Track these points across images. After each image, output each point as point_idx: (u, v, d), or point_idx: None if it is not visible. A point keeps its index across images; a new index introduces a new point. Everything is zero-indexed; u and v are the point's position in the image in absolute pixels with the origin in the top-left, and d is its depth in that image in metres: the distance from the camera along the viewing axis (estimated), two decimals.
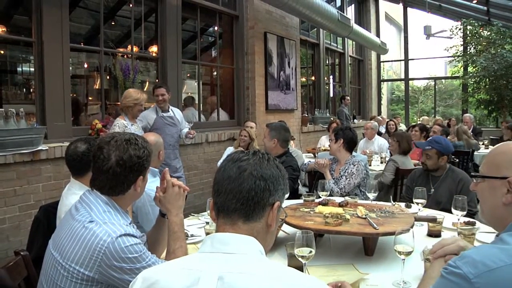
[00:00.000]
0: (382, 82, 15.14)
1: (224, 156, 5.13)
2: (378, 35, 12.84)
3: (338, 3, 11.41)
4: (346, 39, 10.93)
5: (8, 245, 3.68)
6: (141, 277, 1.11)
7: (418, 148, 4.84)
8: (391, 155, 5.02)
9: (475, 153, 6.58)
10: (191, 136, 4.90)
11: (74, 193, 2.31)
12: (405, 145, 4.68)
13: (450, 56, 13.20)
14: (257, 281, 1.01)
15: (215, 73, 7.66)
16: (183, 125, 4.97)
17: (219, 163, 5.11)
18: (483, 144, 7.91)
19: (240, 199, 1.12)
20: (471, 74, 12.08)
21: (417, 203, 2.74)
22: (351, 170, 3.62)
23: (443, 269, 1.13)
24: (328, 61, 11.14)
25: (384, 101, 15.77)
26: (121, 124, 4.00)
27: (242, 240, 1.09)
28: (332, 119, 8.77)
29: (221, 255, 1.07)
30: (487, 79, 11.47)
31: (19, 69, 6.27)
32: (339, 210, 2.35)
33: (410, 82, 15.78)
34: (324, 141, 6.90)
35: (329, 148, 5.92)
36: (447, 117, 11.66)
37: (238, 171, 1.13)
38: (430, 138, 4.03)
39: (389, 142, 5.38)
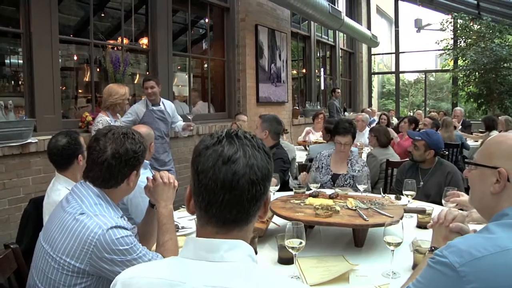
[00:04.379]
0: (373, 75, 15.19)
1: None
2: (369, 28, 12.86)
3: None
4: (337, 31, 10.94)
5: None
6: (121, 283, 1.00)
7: (409, 138, 4.90)
8: None
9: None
10: (191, 128, 4.81)
11: (56, 189, 2.32)
12: (383, 139, 4.74)
13: (440, 50, 13.27)
14: None
15: (206, 65, 7.63)
16: (176, 117, 4.90)
17: None
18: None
19: (241, 210, 0.97)
20: (461, 68, 12.18)
21: (407, 195, 2.77)
22: (366, 169, 3.57)
23: (429, 259, 1.16)
24: (319, 53, 11.14)
25: (374, 94, 15.83)
26: (105, 121, 3.90)
27: (229, 246, 0.96)
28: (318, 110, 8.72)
29: (205, 263, 0.95)
30: (477, 73, 11.58)
31: (7, 61, 6.18)
32: (329, 202, 2.37)
33: (401, 75, 15.86)
34: (310, 132, 6.89)
35: (320, 141, 5.98)
36: (436, 110, 11.73)
37: (234, 178, 0.94)
38: (423, 130, 4.05)
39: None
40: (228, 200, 0.95)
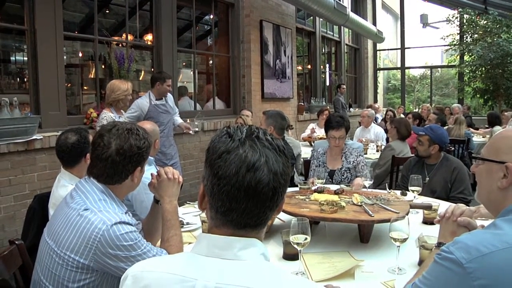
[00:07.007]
0: (378, 71, 15.11)
1: None
2: (374, 23, 12.78)
3: None
4: (342, 27, 10.88)
5: (3, 235, 3.67)
6: (131, 276, 1.00)
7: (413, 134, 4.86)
8: (387, 143, 5.02)
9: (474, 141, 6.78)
10: (191, 132, 4.93)
11: (63, 185, 2.32)
12: (404, 131, 4.68)
13: (446, 45, 13.17)
14: None
15: (210, 61, 7.61)
16: (174, 109, 4.95)
17: None
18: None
19: (261, 216, 0.97)
20: (467, 63, 12.08)
21: (413, 191, 2.75)
22: (361, 158, 3.57)
23: (436, 255, 1.14)
24: (324, 49, 11.08)
25: (380, 90, 15.77)
26: (109, 117, 3.91)
27: (243, 244, 0.95)
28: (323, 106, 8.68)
29: (218, 261, 0.94)
30: (483, 68, 11.49)
31: (12, 58, 6.21)
32: (335, 197, 2.36)
33: (406, 71, 15.78)
34: (315, 128, 6.87)
35: (325, 137, 5.94)
36: (442, 106, 11.63)
37: (258, 186, 0.93)
38: (427, 125, 4.03)
39: (388, 128, 5.39)
40: (250, 207, 0.94)
